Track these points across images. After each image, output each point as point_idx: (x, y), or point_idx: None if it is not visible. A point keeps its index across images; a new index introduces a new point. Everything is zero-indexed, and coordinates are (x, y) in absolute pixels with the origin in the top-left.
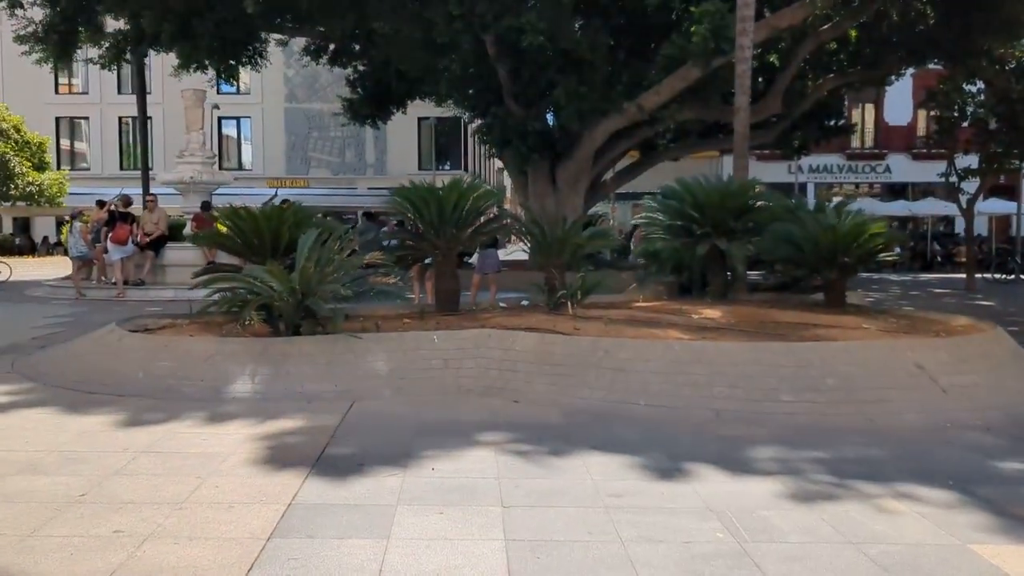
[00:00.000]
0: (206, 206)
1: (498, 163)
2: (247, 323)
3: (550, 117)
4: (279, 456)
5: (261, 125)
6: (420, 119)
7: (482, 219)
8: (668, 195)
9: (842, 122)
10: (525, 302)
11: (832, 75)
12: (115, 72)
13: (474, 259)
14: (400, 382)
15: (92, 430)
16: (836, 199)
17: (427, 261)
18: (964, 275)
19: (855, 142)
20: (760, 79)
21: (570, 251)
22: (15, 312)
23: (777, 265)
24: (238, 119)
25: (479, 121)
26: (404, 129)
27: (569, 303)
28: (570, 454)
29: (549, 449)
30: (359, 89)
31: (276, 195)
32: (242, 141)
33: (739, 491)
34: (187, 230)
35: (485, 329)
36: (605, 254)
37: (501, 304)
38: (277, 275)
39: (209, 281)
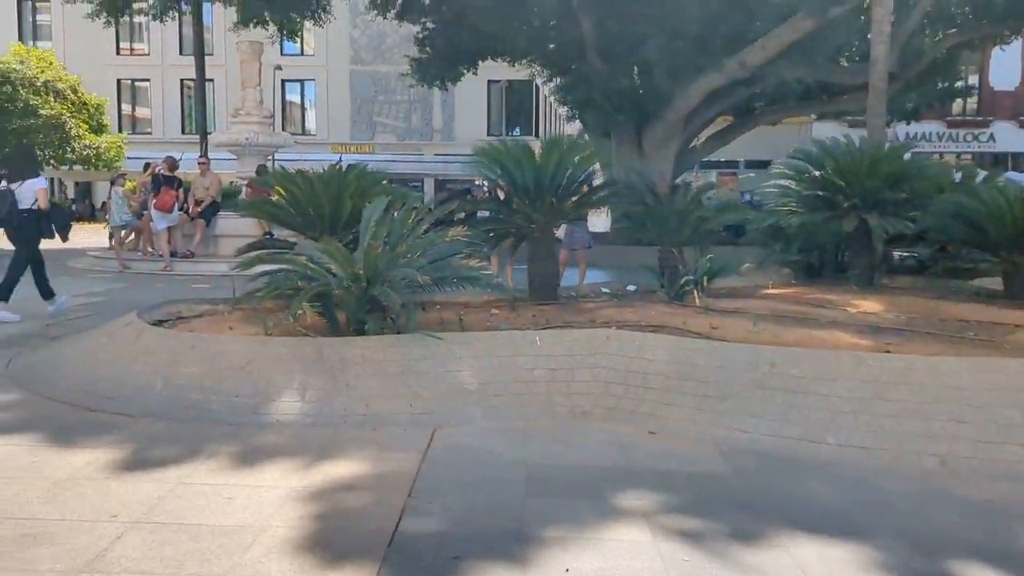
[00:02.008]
0: (261, 171)
1: (569, 129)
2: (298, 315)
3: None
4: (333, 535)
5: (325, 88)
6: (490, 82)
7: (586, 186)
8: (803, 160)
9: (959, 84)
10: (632, 287)
11: (954, 30)
12: (177, 33)
13: (560, 232)
14: (494, 400)
15: (78, 476)
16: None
17: (514, 238)
18: None
19: (956, 108)
20: (869, 35)
21: (692, 226)
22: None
23: (918, 246)
24: (302, 82)
25: (557, 81)
26: (473, 93)
27: (696, 292)
28: (765, 538)
29: (730, 528)
30: (428, 48)
31: (340, 161)
32: (306, 105)
33: None
34: (242, 197)
35: (602, 329)
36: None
37: (604, 290)
38: (336, 256)
39: (253, 262)
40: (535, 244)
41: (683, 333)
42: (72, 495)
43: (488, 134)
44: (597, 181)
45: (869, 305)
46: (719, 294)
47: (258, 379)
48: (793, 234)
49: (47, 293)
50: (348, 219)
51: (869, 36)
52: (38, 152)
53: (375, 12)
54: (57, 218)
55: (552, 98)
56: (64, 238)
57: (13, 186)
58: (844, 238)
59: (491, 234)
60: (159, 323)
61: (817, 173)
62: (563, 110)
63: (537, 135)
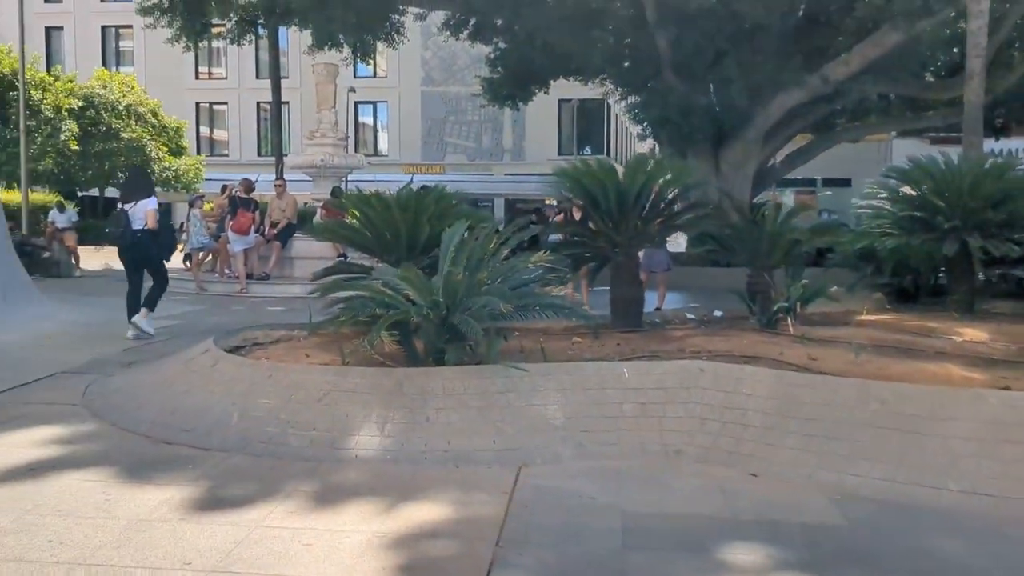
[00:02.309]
0: (336, 192)
1: (641, 148)
2: (374, 343)
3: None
4: None
5: (397, 109)
6: (561, 101)
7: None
8: (898, 179)
9: None
10: (719, 313)
11: None
12: (254, 57)
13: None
14: (582, 436)
15: (151, 517)
16: None
17: (595, 262)
18: None
19: None
20: (955, 49)
21: (784, 248)
22: (121, 311)
23: (1017, 269)
24: (374, 104)
25: (631, 99)
26: (544, 112)
27: (789, 319)
28: None
29: None
30: (500, 68)
31: (412, 181)
32: (378, 127)
33: None
34: (317, 219)
35: (694, 360)
36: None
37: (689, 316)
38: (415, 283)
39: (330, 287)
40: (618, 268)
41: (780, 365)
42: (145, 539)
43: (559, 154)
44: (683, 202)
45: (974, 333)
46: (810, 320)
47: (336, 411)
48: (885, 256)
49: (134, 314)
50: (426, 243)
51: (955, 50)
52: (119, 173)
53: (448, 33)
54: (163, 239)
55: (626, 117)
56: (166, 259)
57: (127, 207)
58: (941, 261)
59: (572, 258)
60: (235, 349)
61: (914, 192)
62: (636, 129)
63: (608, 154)
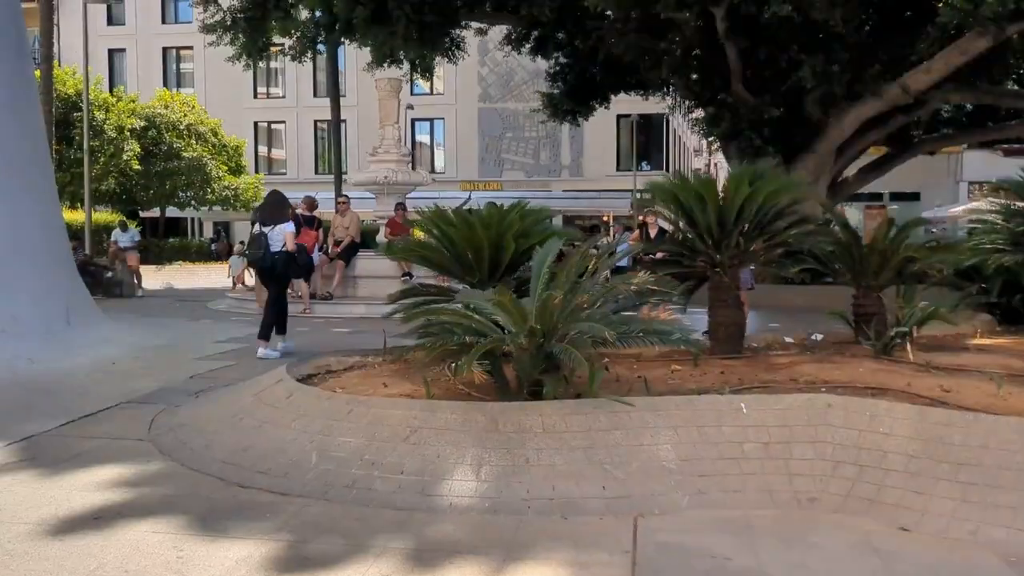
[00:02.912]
0: (401, 206)
1: (697, 163)
2: (463, 374)
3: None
4: None
5: (455, 126)
6: (619, 117)
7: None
8: (1015, 190)
9: None
10: (818, 336)
11: None
12: (311, 76)
13: None
14: (700, 482)
15: None
16: None
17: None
18: None
19: None
20: None
21: (896, 267)
22: (185, 333)
23: None
24: (431, 121)
25: (698, 112)
26: (602, 128)
27: (908, 345)
28: None
29: None
30: (560, 83)
31: (470, 198)
32: (435, 144)
33: None
34: (380, 236)
35: (820, 395)
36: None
37: (787, 339)
38: (509, 308)
39: (410, 315)
40: (718, 290)
41: (912, 398)
42: None
43: (617, 170)
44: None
45: None
46: (921, 344)
47: (425, 452)
48: (992, 275)
49: (268, 334)
50: (509, 263)
51: None
52: (180, 193)
53: (508, 48)
54: (300, 259)
55: (690, 131)
56: (306, 279)
57: (266, 230)
58: None
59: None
60: (308, 378)
61: None
62: (693, 144)
63: (667, 170)
